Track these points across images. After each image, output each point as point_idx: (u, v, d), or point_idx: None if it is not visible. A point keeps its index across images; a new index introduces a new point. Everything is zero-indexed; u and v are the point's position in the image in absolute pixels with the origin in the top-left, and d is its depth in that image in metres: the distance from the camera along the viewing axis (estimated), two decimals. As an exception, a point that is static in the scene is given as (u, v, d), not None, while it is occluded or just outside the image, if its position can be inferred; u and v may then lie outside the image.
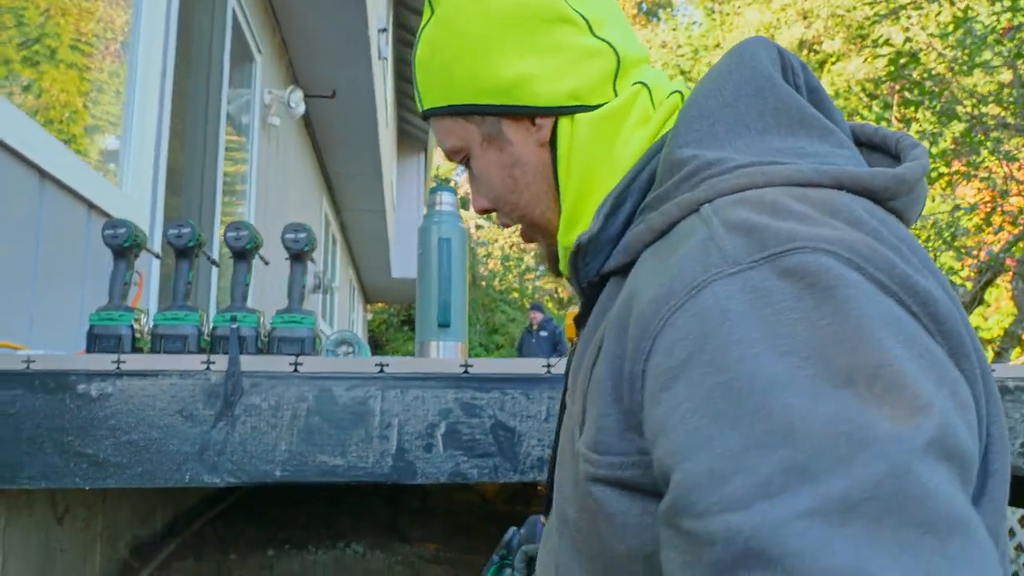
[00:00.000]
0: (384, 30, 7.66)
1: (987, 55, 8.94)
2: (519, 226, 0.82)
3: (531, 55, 0.71)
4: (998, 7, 8.81)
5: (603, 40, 0.72)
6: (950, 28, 9.11)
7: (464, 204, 13.90)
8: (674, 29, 23.03)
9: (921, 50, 10.09)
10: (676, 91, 0.73)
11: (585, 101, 0.71)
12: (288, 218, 5.87)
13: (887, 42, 10.56)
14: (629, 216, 0.66)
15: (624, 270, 0.63)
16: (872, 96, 12.83)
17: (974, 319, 11.84)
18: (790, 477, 0.40)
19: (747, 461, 0.41)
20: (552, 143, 0.73)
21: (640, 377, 0.51)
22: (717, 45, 19.42)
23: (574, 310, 0.86)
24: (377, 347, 18.73)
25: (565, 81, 0.71)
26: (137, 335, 1.64)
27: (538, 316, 10.58)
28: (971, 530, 0.39)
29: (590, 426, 0.57)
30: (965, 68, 9.11)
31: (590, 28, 0.72)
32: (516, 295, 22.59)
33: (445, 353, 1.63)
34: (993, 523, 0.50)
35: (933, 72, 9.61)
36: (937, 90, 9.32)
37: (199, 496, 4.02)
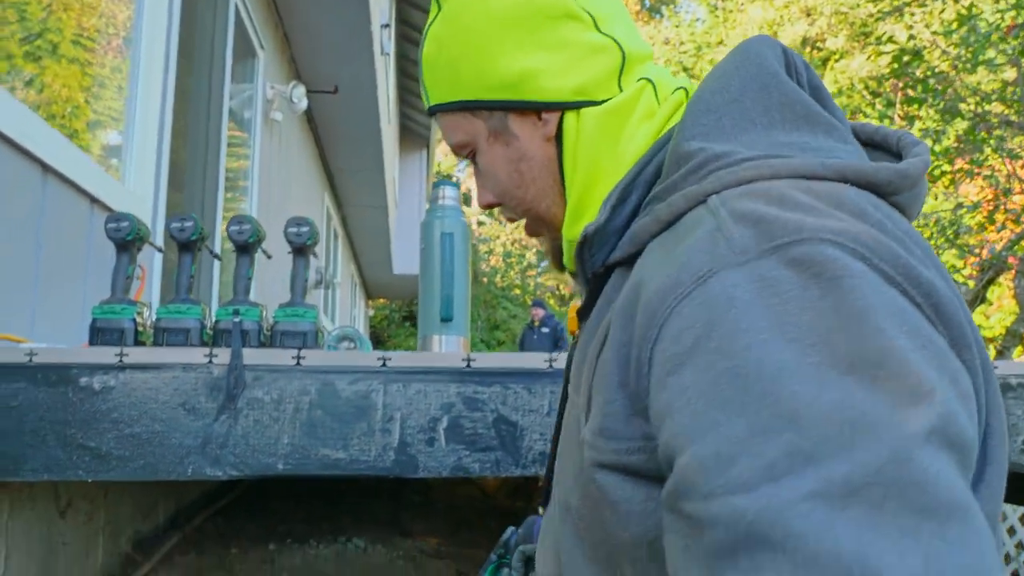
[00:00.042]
0: (386, 26, 7.66)
1: (991, 53, 8.92)
2: (523, 221, 0.82)
3: (537, 51, 0.72)
4: (1002, 4, 8.80)
5: (608, 36, 0.73)
6: (954, 26, 9.09)
7: (467, 200, 13.91)
8: (677, 26, 22.99)
9: (925, 48, 10.07)
10: (680, 87, 0.74)
11: (591, 96, 0.72)
12: (290, 213, 5.86)
13: (891, 39, 10.55)
14: (635, 208, 0.67)
15: (629, 261, 0.63)
16: (875, 94, 12.81)
17: (976, 317, 11.83)
18: (795, 461, 0.41)
19: (752, 445, 0.42)
20: (558, 138, 0.74)
21: (647, 363, 0.52)
22: (720, 42, 19.39)
23: (576, 303, 0.87)
24: (379, 343, 18.73)
25: (571, 77, 0.72)
26: (140, 329, 1.65)
27: (540, 312, 10.57)
28: (970, 516, 0.40)
29: (596, 412, 0.57)
30: (969, 66, 9.09)
31: (596, 24, 0.73)
32: (518, 292, 22.59)
33: (447, 347, 1.63)
34: (990, 510, 0.51)
35: (936, 70, 9.59)
36: (940, 88, 9.31)
37: (201, 490, 4.03)
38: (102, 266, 2.67)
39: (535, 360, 1.49)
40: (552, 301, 21.42)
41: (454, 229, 1.65)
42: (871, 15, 12.02)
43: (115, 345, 1.59)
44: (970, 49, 8.86)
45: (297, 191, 6.93)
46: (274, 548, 3.43)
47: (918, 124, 10.26)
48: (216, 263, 4.19)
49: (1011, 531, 4.38)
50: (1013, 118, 8.89)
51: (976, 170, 9.50)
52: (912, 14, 10.70)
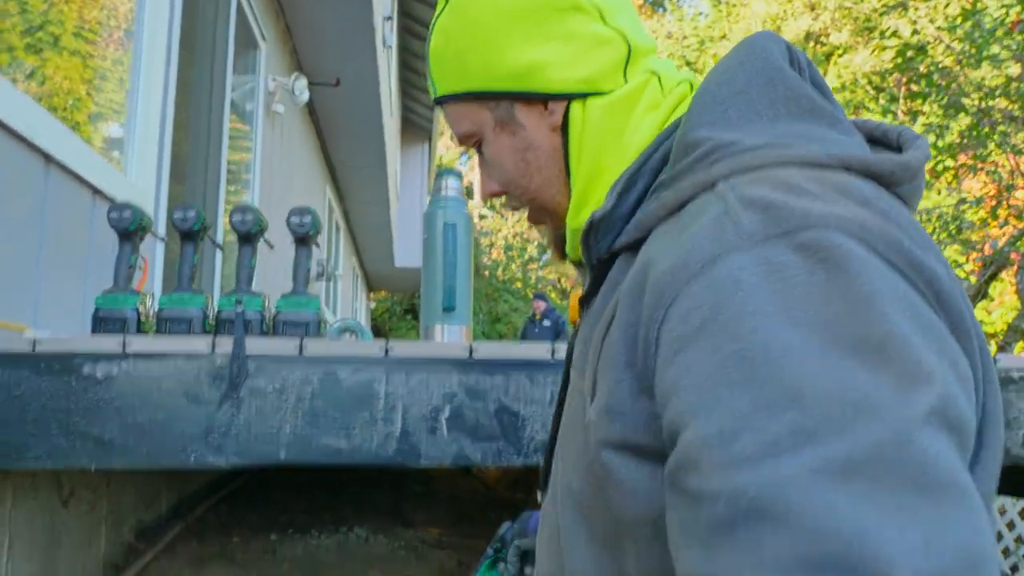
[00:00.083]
0: (389, 18, 7.64)
1: (995, 48, 8.90)
2: (526, 214, 0.83)
3: (544, 42, 0.73)
4: (1007, 0, 8.77)
5: (614, 29, 0.74)
6: (958, 21, 9.07)
7: (469, 193, 13.88)
8: (680, 20, 22.96)
9: (929, 43, 10.05)
10: (684, 80, 0.76)
11: (597, 88, 0.73)
12: (292, 206, 5.86)
13: (894, 34, 10.52)
14: (641, 195, 0.68)
15: (634, 247, 0.64)
16: (879, 89, 12.78)
17: (977, 313, 11.82)
18: (797, 438, 0.42)
19: (756, 422, 0.43)
20: (564, 128, 0.75)
21: (654, 343, 0.53)
22: (723, 36, 19.34)
23: (578, 292, 0.87)
24: (380, 335, 18.74)
25: (578, 68, 0.73)
26: (142, 318, 1.65)
27: (541, 305, 10.57)
28: (967, 495, 0.41)
29: (602, 393, 0.58)
30: (973, 61, 9.07)
31: (602, 17, 0.75)
32: (519, 285, 22.60)
33: (449, 337, 1.64)
34: (985, 490, 0.52)
35: (940, 65, 9.57)
36: (944, 83, 9.29)
37: (203, 480, 4.04)
38: (104, 257, 2.68)
39: (537, 350, 1.50)
40: (553, 294, 21.42)
41: (457, 219, 1.66)
42: (875, 10, 11.99)
43: (118, 333, 1.59)
44: (974, 44, 8.84)
45: (299, 183, 6.93)
46: (276, 538, 3.44)
47: (921, 119, 10.24)
48: (218, 254, 4.19)
49: (1011, 525, 4.38)
50: (1017, 113, 8.87)
51: (980, 165, 9.48)
52: (916, 9, 10.66)
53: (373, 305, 19.60)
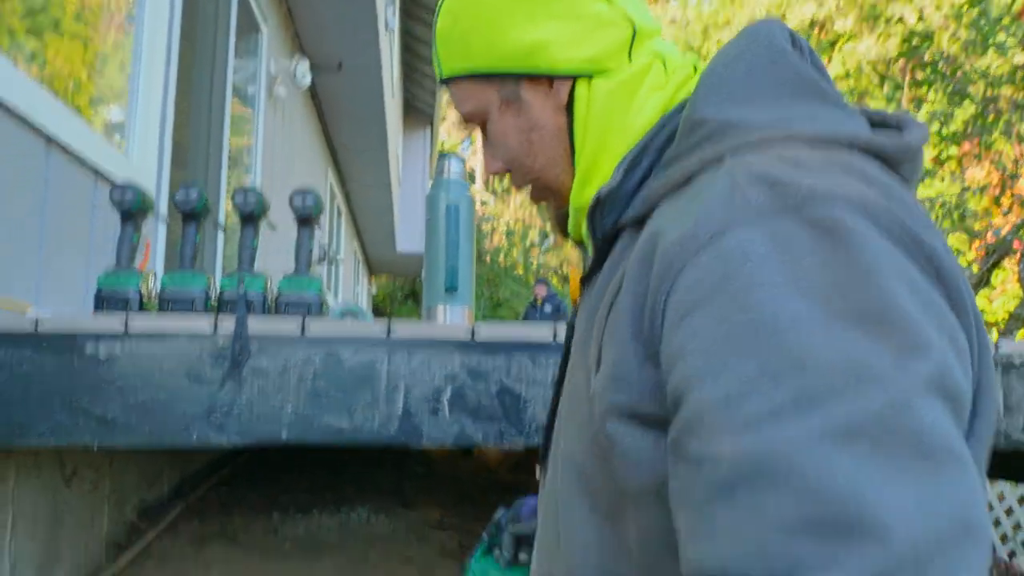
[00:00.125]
0: (391, 2, 7.60)
1: (1001, 36, 8.86)
2: (530, 202, 0.84)
3: (549, 21, 0.74)
4: (1013, -14, 8.72)
5: (619, 10, 0.75)
6: (964, 8, 9.02)
7: (471, 177, 13.85)
8: (684, 6, 22.83)
9: (934, 31, 10.00)
10: (688, 62, 0.76)
11: (602, 68, 0.74)
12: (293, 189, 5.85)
13: (900, 21, 10.47)
14: (646, 173, 0.69)
15: (639, 223, 0.65)
16: (883, 77, 12.73)
17: (979, 301, 11.81)
18: (800, 404, 0.43)
19: (761, 388, 0.45)
20: (568, 108, 0.75)
21: (661, 311, 0.54)
22: (727, 22, 19.24)
23: (578, 271, 0.88)
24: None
25: (582, 48, 0.74)
26: (144, 298, 1.65)
27: (543, 291, 10.58)
28: (961, 461, 0.43)
29: (607, 362, 0.59)
30: (979, 49, 9.03)
31: None
32: (520, 270, 22.60)
33: (452, 318, 1.64)
34: (978, 458, 0.54)
35: (946, 53, 9.53)
36: (950, 71, 9.25)
37: (205, 460, 4.06)
38: (107, 238, 2.68)
39: (539, 331, 1.50)
40: (555, 280, 21.42)
41: (459, 202, 1.65)
42: (880, -4, 11.91)
43: (120, 311, 1.59)
44: (980, 32, 8.79)
45: (300, 167, 6.91)
46: (277, 517, 3.45)
47: (926, 107, 10.21)
48: (220, 237, 4.19)
49: (1009, 511, 4.40)
50: (1022, 102, 8.83)
51: (984, 154, 9.46)
52: (922, -5, 10.61)
53: (375, 290, 19.62)
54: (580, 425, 0.64)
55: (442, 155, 1.77)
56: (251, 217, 1.67)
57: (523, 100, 0.76)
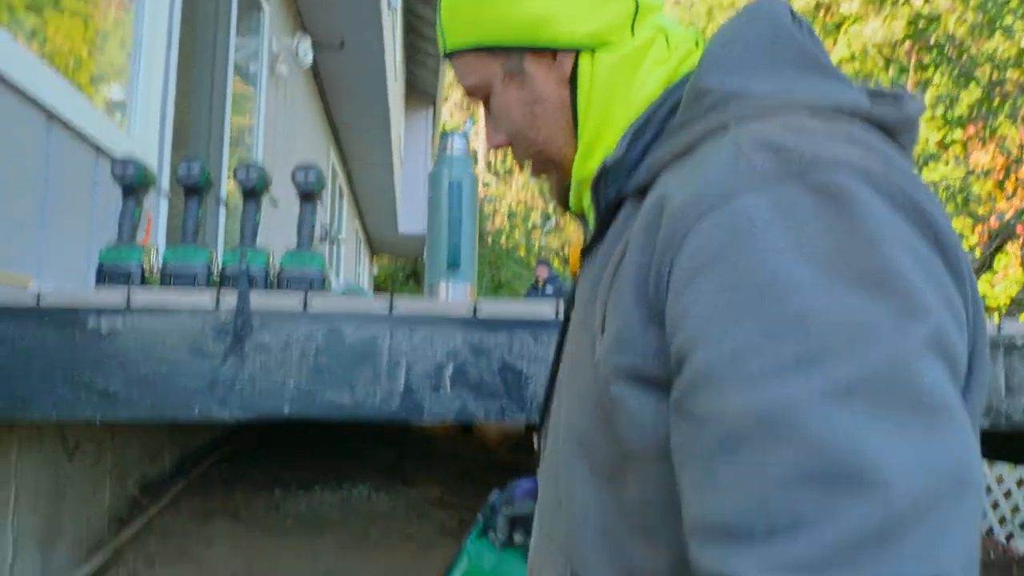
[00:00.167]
0: (394, -21, 7.55)
1: (1009, 19, 8.80)
2: (530, 163, 0.84)
3: None
4: (1021, -31, 8.64)
5: None
6: (971, -10, 8.95)
7: (474, 160, 13.79)
8: (689, -14, 22.65)
9: (940, 14, 9.92)
10: (690, 37, 0.77)
11: (605, 41, 0.74)
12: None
13: (906, 3, 10.38)
14: (649, 143, 0.70)
15: (642, 193, 0.66)
16: (888, 60, 12.65)
17: (981, 286, 11.79)
18: (802, 362, 0.45)
19: (764, 347, 0.46)
20: (572, 81, 0.76)
21: (666, 274, 0.55)
22: (732, 3, 19.11)
23: (578, 244, 0.88)
24: (382, 302, 18.69)
25: (586, 22, 0.74)
26: (146, 273, 1.65)
27: (544, 272, 10.58)
28: (958, 419, 0.45)
29: (612, 325, 0.60)
30: (986, 32, 8.96)
31: None
32: (522, 252, 22.59)
33: (454, 294, 1.63)
34: (972, 419, 0.55)
35: (952, 35, 9.46)
36: (955, 54, 9.19)
37: (206, 437, 4.07)
38: (108, 215, 2.67)
39: (541, 309, 1.50)
40: (556, 262, 21.41)
41: (462, 179, 1.65)
42: (887, -22, 11.80)
43: (122, 286, 1.59)
44: (987, 15, 8.73)
45: (302, 145, 6.89)
46: (279, 494, 3.48)
47: (931, 90, 10.15)
48: (222, 214, 4.19)
49: (1008, 494, 4.42)
50: (1028, 85, 8.79)
51: (989, 137, 9.42)
52: (929, -23, 10.51)
53: (376, 271, 19.63)
54: (582, 392, 0.65)
55: (445, 134, 1.76)
56: (253, 192, 1.67)
57: (526, 73, 0.77)
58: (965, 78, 9.18)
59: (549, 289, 10.16)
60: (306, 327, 1.49)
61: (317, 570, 2.65)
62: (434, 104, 14.12)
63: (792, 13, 0.67)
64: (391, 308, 1.49)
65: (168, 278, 1.60)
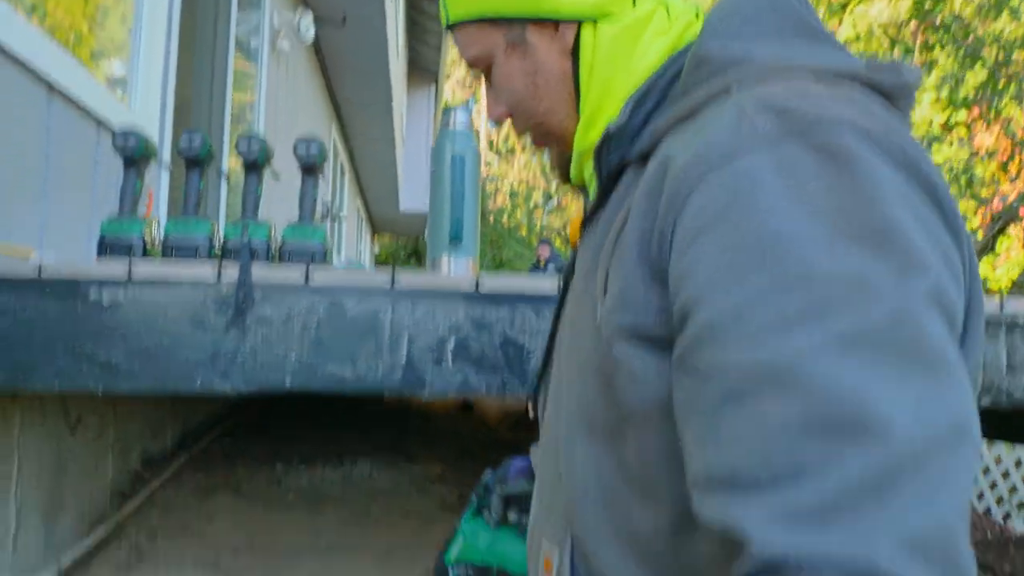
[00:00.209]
0: (397, -45, 7.49)
1: (1015, 1, 8.73)
2: (531, 135, 0.84)
3: None
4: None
5: None
6: (979, -31, 8.86)
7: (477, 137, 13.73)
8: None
9: (947, -5, 9.84)
10: (691, 9, 0.77)
11: (606, 12, 0.74)
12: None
13: (913, -18, 10.29)
14: (651, 112, 0.70)
15: (644, 159, 0.66)
16: (894, 40, 12.56)
17: (983, 268, 11.78)
18: (806, 315, 0.46)
19: (768, 301, 0.47)
20: (574, 52, 0.76)
21: (669, 234, 0.56)
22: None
23: (578, 216, 0.89)
24: (384, 280, 18.70)
25: None
26: (148, 245, 1.64)
27: (546, 251, 10.59)
28: (957, 371, 0.46)
29: (614, 286, 0.61)
30: (993, 13, 8.89)
31: None
32: (524, 232, 22.58)
33: (456, 268, 1.63)
34: (969, 372, 0.57)
35: (958, 16, 9.38)
36: (961, 34, 9.12)
37: (207, 412, 4.09)
38: (110, 188, 2.66)
39: (544, 284, 1.49)
40: (558, 241, 21.40)
41: (465, 152, 1.64)
42: (894, -43, 11.68)
43: (124, 257, 1.58)
44: (994, -6, 8.65)
45: (304, 122, 6.86)
46: (281, 469, 3.49)
47: (936, 71, 10.09)
48: (223, 188, 4.18)
49: (1006, 475, 4.44)
50: (1034, 66, 8.72)
51: (994, 119, 9.36)
52: (936, -44, 10.41)
53: (377, 249, 19.63)
54: (583, 359, 0.65)
55: (448, 108, 1.75)
56: (255, 165, 1.66)
57: (529, 43, 0.77)
58: (971, 59, 9.11)
59: (551, 268, 10.16)
60: (308, 300, 1.49)
61: (318, 545, 2.67)
62: (436, 82, 14.05)
63: None
64: (393, 282, 1.49)
65: (170, 250, 1.60)
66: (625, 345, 0.59)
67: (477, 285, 1.50)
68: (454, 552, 0.96)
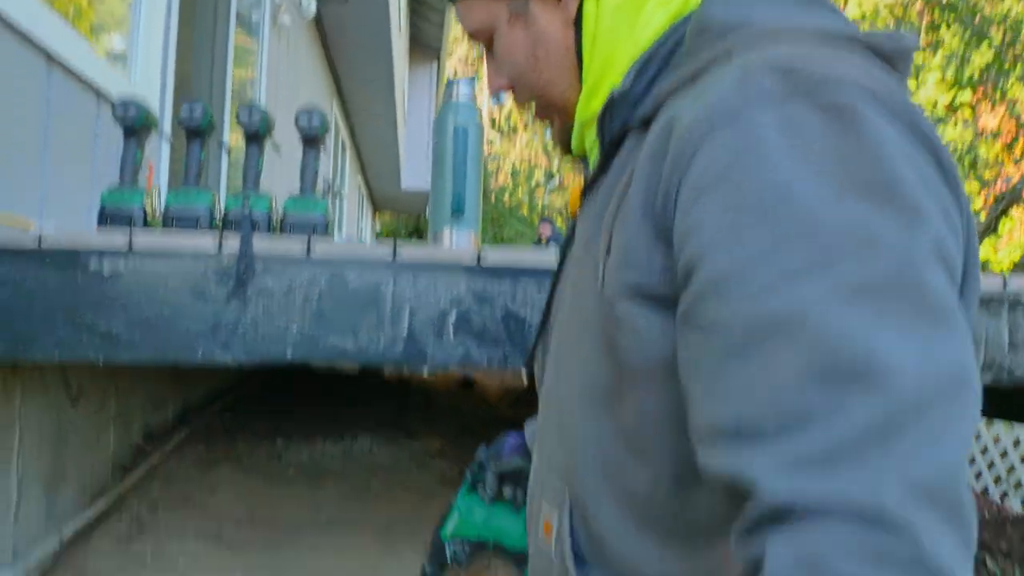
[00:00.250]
0: (399, -71, 7.41)
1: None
2: (532, 106, 0.84)
3: None
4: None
5: None
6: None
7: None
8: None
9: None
10: None
11: None
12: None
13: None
14: (654, 78, 0.70)
15: (646, 124, 0.66)
16: (900, 20, 12.47)
17: (985, 249, 11.76)
18: (812, 267, 0.47)
19: (773, 254, 0.48)
20: (576, 23, 0.75)
21: (674, 192, 0.56)
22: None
23: (578, 185, 0.88)
24: (384, 259, 18.71)
25: None
26: (148, 216, 1.63)
27: (547, 229, 10.57)
28: (958, 322, 0.47)
29: (618, 246, 0.61)
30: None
31: None
32: (525, 210, 22.53)
33: (458, 241, 1.62)
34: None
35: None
36: (968, 14, 9.05)
37: (208, 386, 4.10)
38: (110, 160, 2.65)
39: (545, 257, 1.49)
40: (559, 220, 21.37)
41: (468, 124, 1.62)
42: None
43: (124, 227, 1.58)
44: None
45: (305, 96, 6.82)
46: (282, 443, 3.50)
47: (942, 51, 10.02)
48: (224, 160, 4.16)
49: (1004, 454, 4.45)
50: (1041, 46, 8.66)
51: (999, 100, 9.31)
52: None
53: (378, 227, 19.61)
54: (584, 320, 0.66)
55: (451, 82, 1.73)
56: (256, 136, 1.65)
57: (531, 14, 0.76)
58: (977, 39, 9.04)
59: (552, 247, 10.16)
60: (309, 272, 1.48)
61: (319, 519, 2.69)
62: (438, 60, 13.95)
63: None
64: (395, 254, 1.49)
65: (170, 221, 1.59)
66: (628, 304, 0.59)
67: (479, 258, 1.49)
68: (450, 527, 0.96)
